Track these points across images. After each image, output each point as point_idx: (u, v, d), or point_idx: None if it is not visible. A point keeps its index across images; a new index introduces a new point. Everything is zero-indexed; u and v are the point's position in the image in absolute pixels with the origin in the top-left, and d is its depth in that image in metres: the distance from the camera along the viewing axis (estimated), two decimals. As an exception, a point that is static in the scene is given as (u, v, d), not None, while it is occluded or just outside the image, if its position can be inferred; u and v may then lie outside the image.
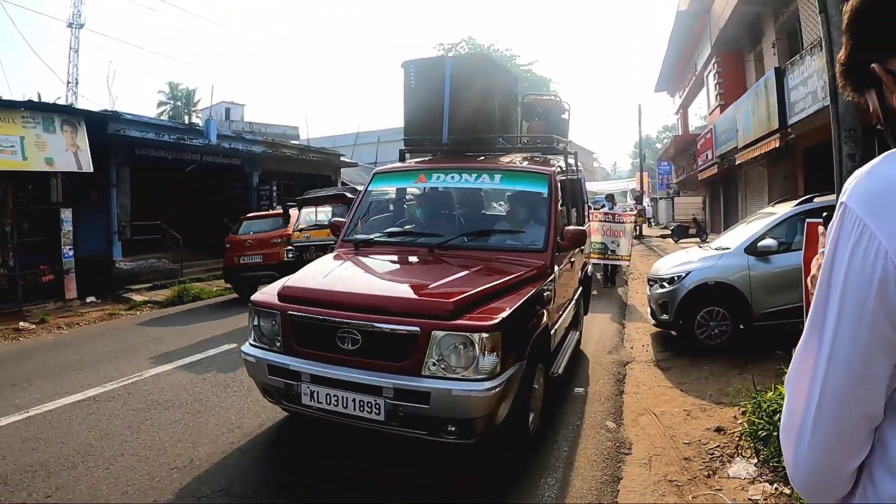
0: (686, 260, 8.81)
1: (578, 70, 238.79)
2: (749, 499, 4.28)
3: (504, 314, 4.09)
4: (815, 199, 8.22)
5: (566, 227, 5.60)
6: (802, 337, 1.06)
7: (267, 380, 4.59)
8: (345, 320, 4.18)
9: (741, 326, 8.02)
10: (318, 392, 4.26)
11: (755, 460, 4.78)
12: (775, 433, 4.70)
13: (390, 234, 5.96)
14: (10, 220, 13.51)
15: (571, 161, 7.78)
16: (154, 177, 19.12)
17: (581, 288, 8.04)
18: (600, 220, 14.37)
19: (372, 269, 5.34)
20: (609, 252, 14.26)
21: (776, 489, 4.34)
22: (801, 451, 1.03)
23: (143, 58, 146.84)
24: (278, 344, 4.54)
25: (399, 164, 6.97)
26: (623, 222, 14.54)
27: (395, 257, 5.67)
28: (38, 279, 13.81)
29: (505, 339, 4.02)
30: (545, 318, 5.06)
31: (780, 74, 14.50)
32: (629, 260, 14.69)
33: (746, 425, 5.15)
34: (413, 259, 5.56)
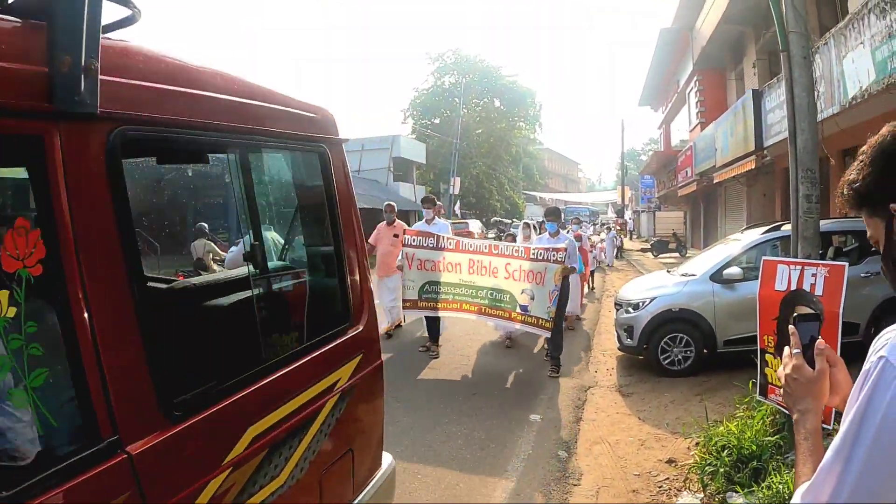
0: (652, 286, 8.93)
1: (565, 82, 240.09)
2: (691, 535, 4.36)
3: None
4: (783, 227, 8.30)
5: None
6: (823, 465, 1.18)
7: None
8: None
9: (705, 352, 8.11)
10: None
11: (702, 494, 4.85)
12: (722, 469, 4.78)
13: None
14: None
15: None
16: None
17: None
18: (506, 255, 8.37)
19: None
20: (518, 309, 8.13)
21: (719, 525, 4.42)
22: None
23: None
24: None
25: None
26: (546, 260, 7.94)
27: None
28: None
29: None
30: None
31: (758, 96, 14.69)
32: (549, 327, 7.88)
33: (698, 458, 5.23)
34: None
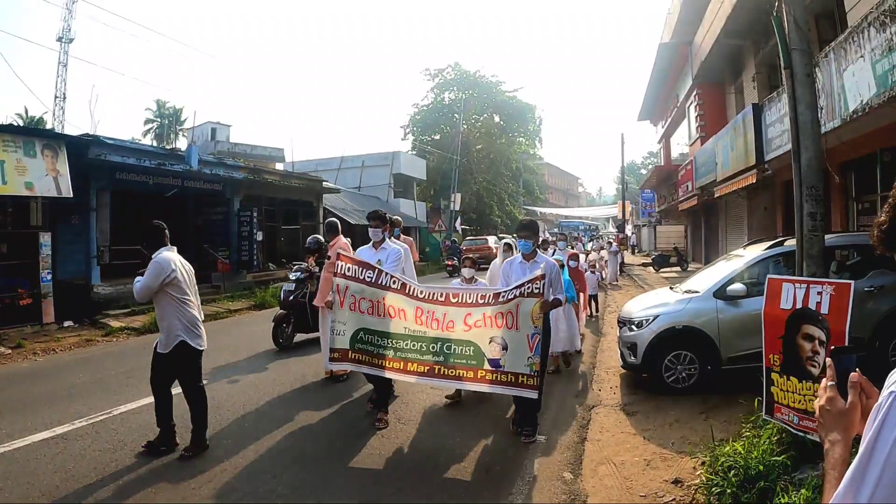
0: (655, 303, 8.89)
1: (565, 96, 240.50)
2: (699, 558, 4.31)
3: None
4: (786, 243, 8.29)
5: None
6: (838, 493, 1.26)
7: None
8: None
9: (709, 368, 8.06)
10: None
11: (709, 516, 4.81)
12: (729, 489, 4.74)
13: None
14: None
15: None
16: (134, 201, 19.03)
17: None
18: (467, 304, 6.28)
19: None
20: (488, 365, 6.09)
21: (727, 548, 4.37)
22: None
23: (130, 72, 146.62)
24: None
25: None
26: (519, 295, 5.96)
27: None
28: (15, 302, 13.81)
29: None
30: None
31: (758, 110, 14.72)
32: (534, 385, 5.91)
33: (704, 478, 5.18)
34: None
